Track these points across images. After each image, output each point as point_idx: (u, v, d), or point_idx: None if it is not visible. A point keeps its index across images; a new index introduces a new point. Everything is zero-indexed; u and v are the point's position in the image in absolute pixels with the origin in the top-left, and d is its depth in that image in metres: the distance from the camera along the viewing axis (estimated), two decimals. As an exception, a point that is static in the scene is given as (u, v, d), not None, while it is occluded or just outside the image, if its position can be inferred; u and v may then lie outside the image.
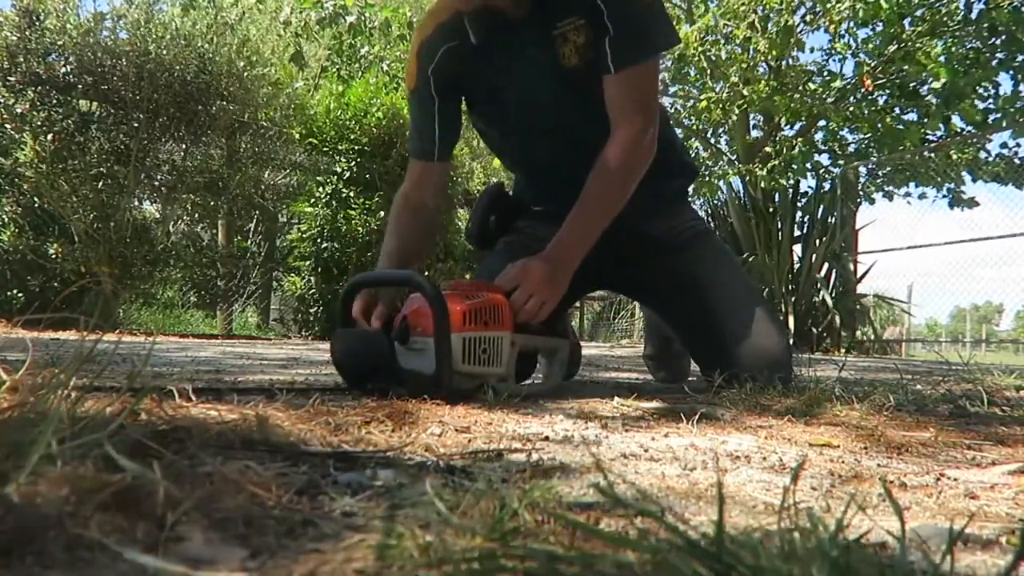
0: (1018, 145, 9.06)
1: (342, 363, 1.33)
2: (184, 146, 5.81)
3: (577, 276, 1.56)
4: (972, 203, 9.74)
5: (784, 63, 8.53)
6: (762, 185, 7.97)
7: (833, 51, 9.35)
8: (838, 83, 8.82)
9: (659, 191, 1.80)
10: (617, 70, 1.56)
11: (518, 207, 1.93)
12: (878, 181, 10.63)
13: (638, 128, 1.58)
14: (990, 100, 8.71)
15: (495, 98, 1.74)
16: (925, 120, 9.00)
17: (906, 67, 8.18)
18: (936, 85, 8.11)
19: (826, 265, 7.34)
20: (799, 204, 7.88)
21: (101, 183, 5.35)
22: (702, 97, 9.01)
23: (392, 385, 1.23)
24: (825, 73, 9.30)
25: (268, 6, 8.99)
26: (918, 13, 8.11)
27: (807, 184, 8.89)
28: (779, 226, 7.48)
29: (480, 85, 1.72)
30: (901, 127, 8.96)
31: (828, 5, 7.73)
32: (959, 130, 9.02)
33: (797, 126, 9.53)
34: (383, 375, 1.26)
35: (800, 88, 8.37)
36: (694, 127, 10.22)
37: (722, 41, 8.40)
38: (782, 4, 7.71)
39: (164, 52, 5.31)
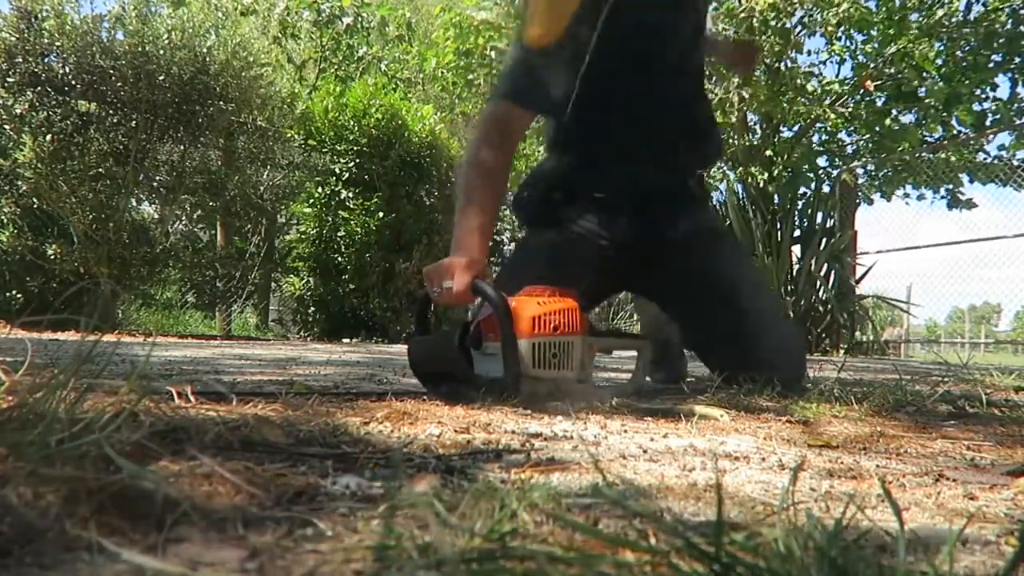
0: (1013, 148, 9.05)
1: (418, 367, 1.41)
2: (182, 147, 5.79)
3: (603, 279, 1.53)
4: (970, 204, 9.73)
5: (783, 65, 8.52)
6: (761, 186, 7.97)
7: (831, 53, 9.34)
8: (837, 87, 8.81)
9: (687, 178, 1.81)
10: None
11: (576, 190, 1.82)
12: (876, 183, 10.63)
13: None
14: (988, 102, 8.71)
15: (640, 52, 1.63)
16: (923, 122, 9.00)
17: (905, 70, 8.18)
18: (935, 86, 8.12)
19: (825, 266, 7.34)
20: (798, 205, 7.89)
21: (100, 184, 5.34)
22: None
23: (465, 388, 1.26)
24: (822, 77, 9.30)
25: (262, 6, 9.00)
26: (914, 17, 8.10)
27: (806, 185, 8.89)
28: (778, 227, 7.48)
29: (635, 33, 1.60)
30: (899, 128, 8.96)
31: (824, 8, 7.73)
32: (957, 132, 9.02)
33: (796, 128, 9.52)
34: (456, 378, 1.31)
35: (799, 88, 8.36)
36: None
37: None
38: (779, 9, 7.70)
39: (161, 53, 5.30)
